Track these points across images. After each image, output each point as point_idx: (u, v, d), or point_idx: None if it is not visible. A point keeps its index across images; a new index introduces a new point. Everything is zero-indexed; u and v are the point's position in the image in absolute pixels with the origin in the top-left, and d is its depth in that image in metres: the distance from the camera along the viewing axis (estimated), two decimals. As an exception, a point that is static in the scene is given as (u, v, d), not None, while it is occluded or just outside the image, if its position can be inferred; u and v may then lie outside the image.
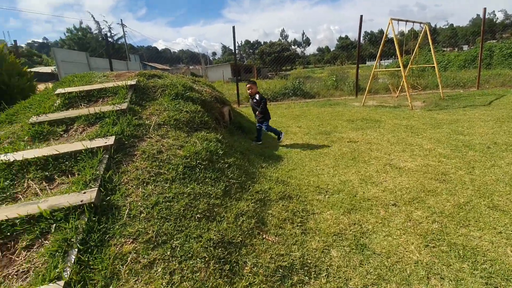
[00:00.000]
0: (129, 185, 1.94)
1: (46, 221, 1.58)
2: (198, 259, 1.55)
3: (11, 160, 1.99)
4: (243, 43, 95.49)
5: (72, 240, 1.48)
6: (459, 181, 2.81)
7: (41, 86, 7.07)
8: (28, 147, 2.23)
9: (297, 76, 17.33)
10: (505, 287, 1.54)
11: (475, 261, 1.74)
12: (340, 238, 2.00)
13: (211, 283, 1.45)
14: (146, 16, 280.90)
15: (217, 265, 1.56)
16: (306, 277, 1.64)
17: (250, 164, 3.06)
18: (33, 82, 5.54)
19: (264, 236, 1.92)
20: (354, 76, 10.94)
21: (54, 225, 1.56)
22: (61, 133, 2.44)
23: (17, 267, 1.40)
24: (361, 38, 10.69)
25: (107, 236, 1.57)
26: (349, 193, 2.66)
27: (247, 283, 1.52)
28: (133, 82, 3.17)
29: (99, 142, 2.18)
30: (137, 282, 1.38)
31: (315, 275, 1.66)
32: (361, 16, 9.53)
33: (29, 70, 5.85)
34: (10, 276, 1.36)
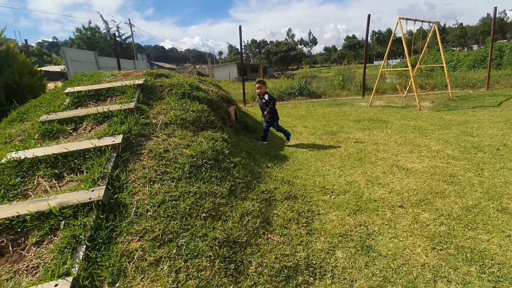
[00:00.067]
0: (136, 183, 1.96)
1: (55, 218, 1.61)
2: (203, 258, 1.56)
3: (22, 157, 2.03)
4: (249, 42, 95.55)
5: (81, 237, 1.50)
6: (468, 183, 2.77)
7: (50, 85, 7.19)
8: (39, 145, 2.28)
9: (303, 76, 17.25)
10: (514, 291, 1.52)
11: (482, 264, 1.72)
12: (346, 239, 1.99)
13: (216, 282, 1.46)
14: (154, 16, 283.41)
15: (222, 264, 1.57)
16: (311, 278, 1.64)
17: (256, 163, 3.06)
18: (43, 81, 5.64)
19: (269, 236, 1.93)
20: (361, 76, 10.85)
21: (63, 222, 1.59)
22: (70, 131, 2.48)
23: (27, 263, 1.43)
24: (369, 38, 10.59)
25: (115, 233, 1.60)
26: (355, 194, 2.65)
27: (252, 282, 1.53)
28: (140, 82, 3.21)
29: (107, 141, 2.21)
30: (143, 279, 1.40)
31: (320, 276, 1.66)
32: (369, 15, 9.45)
33: (39, 69, 5.95)
34: (20, 271, 1.39)
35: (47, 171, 1.98)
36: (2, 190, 1.81)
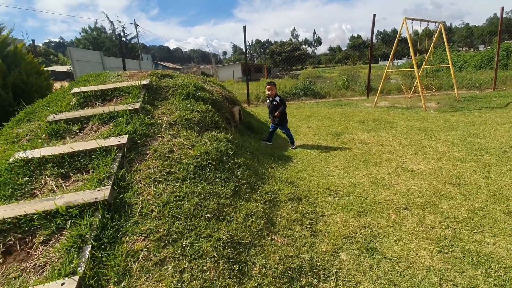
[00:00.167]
0: (141, 183, 1.97)
1: (62, 217, 1.63)
2: (207, 259, 1.57)
3: (29, 157, 2.06)
4: (253, 42, 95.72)
5: (87, 236, 1.52)
6: (474, 186, 2.74)
7: (57, 85, 7.27)
8: (46, 144, 2.31)
9: (307, 76, 17.24)
10: (521, 296, 1.50)
11: (489, 268, 1.70)
12: (350, 241, 1.98)
13: (220, 283, 1.47)
14: (159, 16, 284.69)
15: (226, 265, 1.58)
16: (315, 280, 1.64)
17: (260, 164, 3.07)
18: (50, 81, 5.70)
19: (273, 237, 1.93)
20: (366, 76, 10.78)
21: (70, 221, 1.61)
22: (77, 131, 2.51)
23: (35, 261, 1.45)
24: (374, 38, 10.53)
25: (120, 233, 1.61)
26: (360, 196, 2.64)
27: (256, 284, 1.53)
28: (145, 82, 3.23)
29: (113, 141, 2.23)
30: (148, 279, 1.41)
31: (324, 278, 1.66)
32: (374, 15, 9.39)
33: (46, 69, 6.02)
34: (28, 270, 1.41)
35: (54, 170, 2.01)
36: (10, 189, 1.84)
